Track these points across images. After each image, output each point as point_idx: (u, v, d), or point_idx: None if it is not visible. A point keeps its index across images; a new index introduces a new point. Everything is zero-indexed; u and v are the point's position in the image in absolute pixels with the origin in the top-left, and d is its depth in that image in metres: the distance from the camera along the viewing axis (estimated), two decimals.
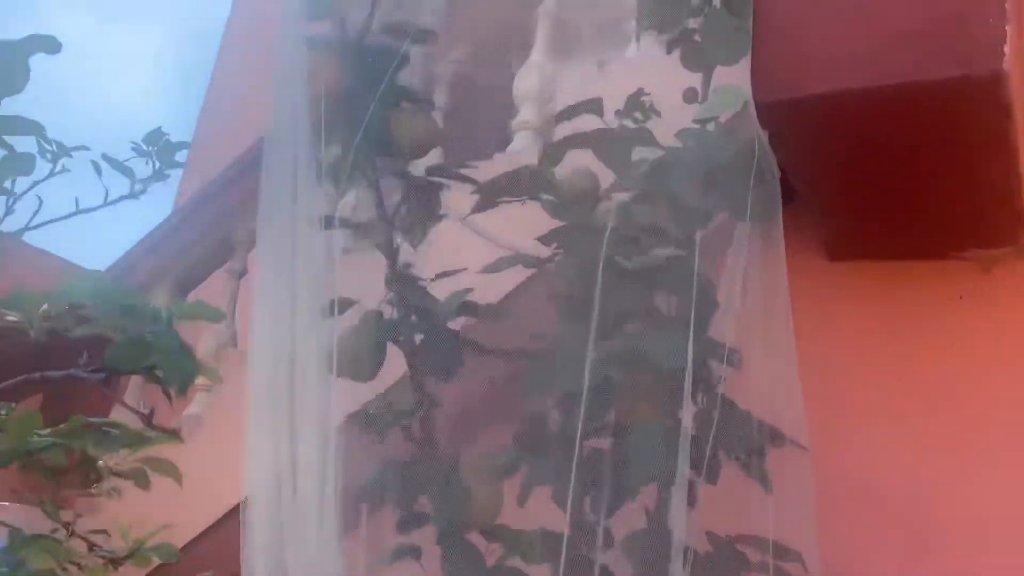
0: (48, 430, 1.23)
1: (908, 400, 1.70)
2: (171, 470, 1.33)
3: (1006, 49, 1.28)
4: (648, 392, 1.25)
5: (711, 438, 1.27)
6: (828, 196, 1.68)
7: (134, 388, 2.57)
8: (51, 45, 1.11)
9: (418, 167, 1.56)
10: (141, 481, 1.39)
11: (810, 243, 1.81)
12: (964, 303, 1.74)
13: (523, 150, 2.23)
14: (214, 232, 2.77)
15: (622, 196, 1.43)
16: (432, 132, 1.52)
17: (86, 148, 1.86)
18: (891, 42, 1.37)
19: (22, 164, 1.54)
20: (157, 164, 1.99)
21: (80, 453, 1.30)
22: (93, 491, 1.66)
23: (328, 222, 1.41)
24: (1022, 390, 1.64)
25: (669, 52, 1.56)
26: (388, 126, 1.45)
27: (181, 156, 2.01)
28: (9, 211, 1.74)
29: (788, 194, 1.47)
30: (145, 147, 1.96)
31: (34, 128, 1.20)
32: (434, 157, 1.58)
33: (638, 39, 1.53)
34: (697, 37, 1.48)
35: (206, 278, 2.81)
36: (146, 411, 1.14)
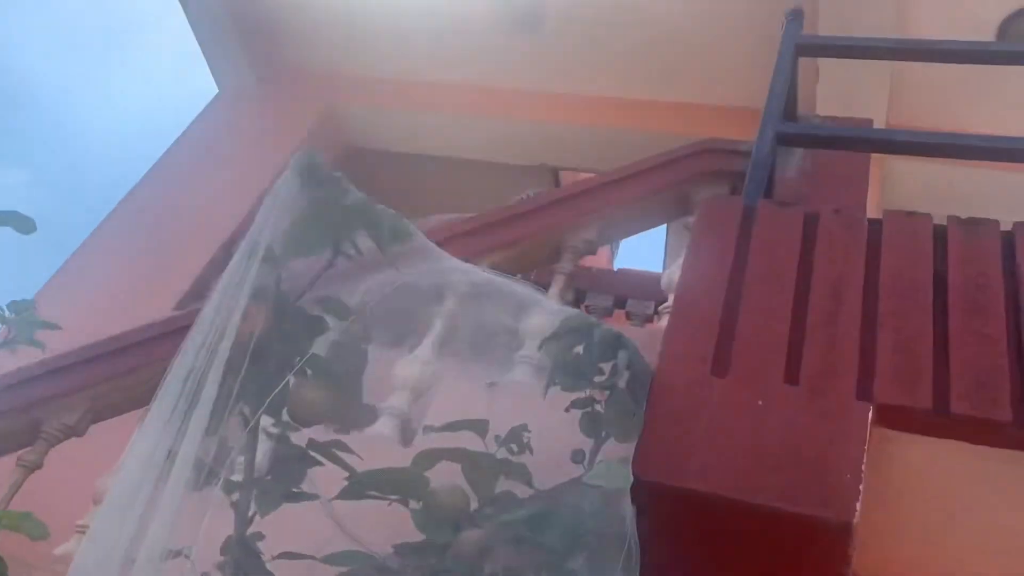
0: None
1: None
2: None
3: (858, 505, 1.43)
4: None
5: None
6: None
7: None
8: (26, 225, 1.07)
9: (301, 436, 1.52)
10: None
11: None
12: None
13: (385, 434, 2.22)
14: (22, 415, 2.51)
15: (491, 532, 1.43)
16: (327, 409, 1.51)
17: None
18: (762, 465, 1.51)
19: None
20: (13, 334, 1.87)
21: None
22: None
23: (206, 466, 1.32)
24: None
25: (568, 411, 1.65)
26: (289, 389, 1.44)
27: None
28: None
29: None
30: (8, 313, 1.84)
31: None
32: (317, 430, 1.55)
33: (545, 393, 1.63)
34: (599, 407, 1.58)
35: None
36: None
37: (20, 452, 2.45)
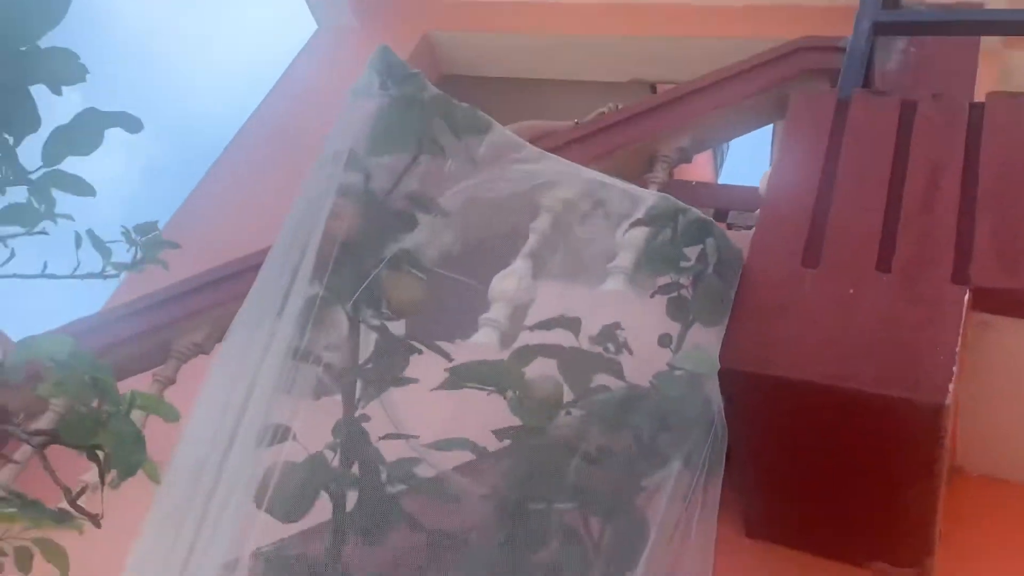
0: None
1: None
2: (60, 560, 1.24)
3: (951, 387, 1.42)
4: None
5: None
6: (759, 471, 1.75)
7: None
8: (133, 124, 1.17)
9: (398, 326, 1.61)
10: (22, 563, 1.28)
11: (730, 515, 1.87)
12: None
13: (485, 344, 2.30)
14: (154, 336, 2.72)
15: (585, 415, 1.49)
16: (422, 299, 1.58)
17: (71, 218, 1.88)
18: (853, 351, 1.51)
19: (20, 215, 1.55)
20: (140, 255, 2.02)
21: None
22: None
23: (302, 353, 1.43)
24: None
25: (652, 296, 1.68)
26: (384, 282, 1.52)
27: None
28: None
29: None
30: (135, 235, 1.99)
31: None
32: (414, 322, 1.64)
33: (632, 279, 1.65)
34: (685, 292, 1.60)
35: (130, 376, 2.73)
36: (76, 488, 1.09)
37: (155, 369, 2.67)
